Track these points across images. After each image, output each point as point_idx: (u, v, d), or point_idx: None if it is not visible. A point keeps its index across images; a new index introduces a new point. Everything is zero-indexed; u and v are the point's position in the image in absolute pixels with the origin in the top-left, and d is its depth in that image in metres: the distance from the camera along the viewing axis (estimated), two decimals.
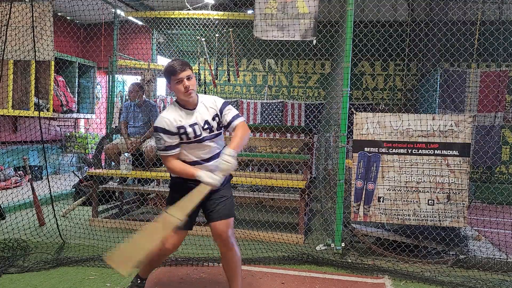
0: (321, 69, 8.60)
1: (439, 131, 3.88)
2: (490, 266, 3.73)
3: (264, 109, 8.27)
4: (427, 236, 4.08)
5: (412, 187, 3.93)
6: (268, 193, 5.09)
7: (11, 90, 6.27)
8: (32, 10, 4.23)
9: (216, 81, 7.34)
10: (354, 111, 4.04)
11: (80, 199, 5.58)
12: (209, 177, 2.52)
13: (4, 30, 4.21)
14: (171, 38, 8.29)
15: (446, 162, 3.88)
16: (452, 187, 3.87)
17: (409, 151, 3.92)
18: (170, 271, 3.51)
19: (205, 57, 6.86)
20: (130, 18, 6.69)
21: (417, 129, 3.92)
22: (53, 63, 7.02)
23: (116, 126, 6.33)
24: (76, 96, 8.07)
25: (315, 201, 6.35)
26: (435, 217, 3.89)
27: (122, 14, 6.44)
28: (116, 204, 5.72)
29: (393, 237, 4.12)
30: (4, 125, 6.86)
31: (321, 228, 4.94)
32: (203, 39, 6.76)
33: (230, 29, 6.35)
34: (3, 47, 4.27)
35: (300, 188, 4.55)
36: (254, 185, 5.13)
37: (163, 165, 3.86)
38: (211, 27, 6.65)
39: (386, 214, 3.96)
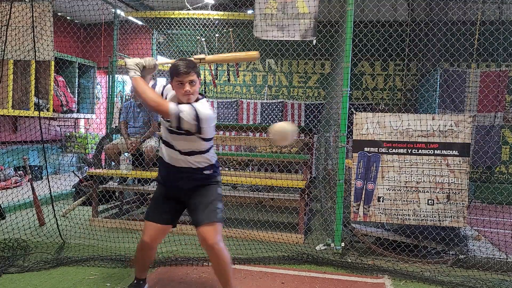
0: (321, 69, 8.60)
1: (439, 131, 3.88)
2: (490, 266, 3.73)
3: (264, 109, 8.27)
4: (427, 236, 4.08)
5: (412, 187, 3.93)
6: (268, 193, 5.09)
7: (11, 90, 6.26)
8: (32, 10, 4.22)
9: (216, 81, 7.35)
10: (354, 111, 4.05)
11: (80, 199, 5.58)
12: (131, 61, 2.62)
13: (4, 30, 4.21)
14: (171, 38, 8.29)
15: (446, 162, 3.88)
16: (452, 187, 3.87)
17: (409, 151, 3.93)
18: (170, 271, 3.51)
19: None
20: (130, 18, 6.69)
21: (417, 129, 3.92)
22: (53, 63, 7.03)
23: (116, 126, 6.33)
24: (76, 96, 8.08)
25: (315, 201, 6.35)
26: (435, 217, 3.89)
27: (122, 14, 6.44)
28: (116, 204, 5.72)
29: (393, 237, 4.13)
30: (4, 125, 6.86)
31: (321, 228, 4.94)
32: (203, 39, 6.76)
33: (230, 29, 6.35)
34: (3, 47, 4.27)
35: (300, 188, 4.55)
36: (254, 185, 5.14)
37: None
38: (211, 27, 6.64)
39: (386, 214, 3.96)
